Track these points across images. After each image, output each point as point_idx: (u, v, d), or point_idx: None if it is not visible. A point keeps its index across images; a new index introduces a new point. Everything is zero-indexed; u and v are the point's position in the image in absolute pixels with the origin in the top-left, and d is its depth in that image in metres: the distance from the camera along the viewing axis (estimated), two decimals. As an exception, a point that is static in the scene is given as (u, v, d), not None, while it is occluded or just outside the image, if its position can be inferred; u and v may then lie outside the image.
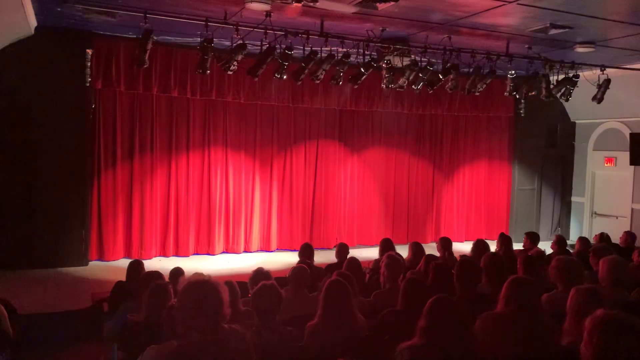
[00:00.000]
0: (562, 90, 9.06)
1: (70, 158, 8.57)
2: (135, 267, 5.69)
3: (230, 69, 7.09)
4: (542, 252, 7.23)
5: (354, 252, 6.67)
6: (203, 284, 2.52)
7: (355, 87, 8.67)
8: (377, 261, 6.46)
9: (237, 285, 4.23)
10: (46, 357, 5.47)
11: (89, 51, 8.51)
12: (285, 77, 7.48)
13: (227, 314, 2.52)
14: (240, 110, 10.15)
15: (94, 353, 5.41)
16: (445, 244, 6.94)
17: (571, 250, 7.58)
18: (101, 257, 9.14)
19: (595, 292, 3.31)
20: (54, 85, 8.39)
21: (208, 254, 9.97)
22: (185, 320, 2.46)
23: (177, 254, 9.75)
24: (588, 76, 8.94)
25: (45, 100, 8.37)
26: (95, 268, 8.73)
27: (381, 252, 6.50)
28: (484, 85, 8.71)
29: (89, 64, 8.54)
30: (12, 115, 8.19)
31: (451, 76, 8.27)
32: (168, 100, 9.51)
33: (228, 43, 7.14)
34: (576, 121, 12.40)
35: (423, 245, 7.11)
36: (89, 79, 8.58)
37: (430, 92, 8.93)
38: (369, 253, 8.14)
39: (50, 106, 8.41)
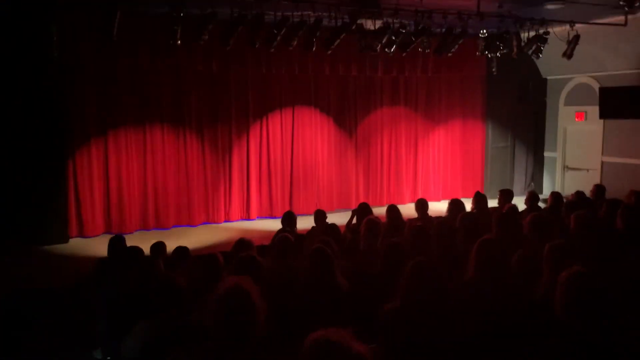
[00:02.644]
0: (533, 48, 9.16)
1: (43, 134, 8.40)
2: (117, 243, 5.72)
3: (201, 38, 7.00)
4: (515, 208, 7.42)
5: (333, 217, 6.75)
6: (239, 296, 2.44)
7: (329, 52, 8.63)
8: (355, 225, 6.56)
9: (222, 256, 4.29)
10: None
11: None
12: (258, 44, 7.42)
13: (260, 325, 2.46)
14: (213, 80, 10.03)
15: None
16: (421, 206, 7.08)
17: (543, 205, 7.80)
18: (81, 234, 9.10)
19: (567, 248, 3.48)
20: (20, 60, 8.15)
21: (189, 225, 10.00)
22: (216, 326, 2.44)
23: (157, 226, 9.75)
24: (558, 32, 9.03)
25: (14, 76, 8.14)
26: (76, 245, 8.69)
27: (359, 217, 6.58)
28: (456, 46, 8.75)
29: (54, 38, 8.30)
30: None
31: (423, 37, 8.29)
32: (138, 73, 9.37)
33: (198, 12, 7.02)
34: (547, 77, 12.55)
35: (401, 206, 7.22)
36: (56, 54, 8.36)
37: (403, 54, 8.93)
38: (347, 218, 8.22)
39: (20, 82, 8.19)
